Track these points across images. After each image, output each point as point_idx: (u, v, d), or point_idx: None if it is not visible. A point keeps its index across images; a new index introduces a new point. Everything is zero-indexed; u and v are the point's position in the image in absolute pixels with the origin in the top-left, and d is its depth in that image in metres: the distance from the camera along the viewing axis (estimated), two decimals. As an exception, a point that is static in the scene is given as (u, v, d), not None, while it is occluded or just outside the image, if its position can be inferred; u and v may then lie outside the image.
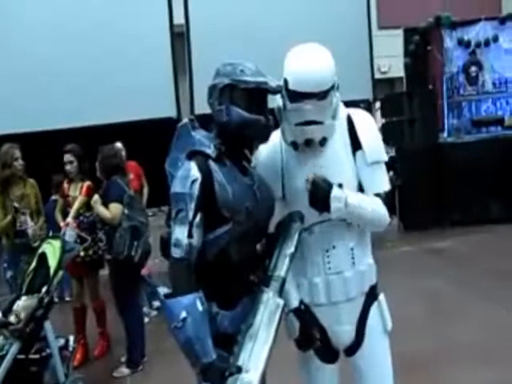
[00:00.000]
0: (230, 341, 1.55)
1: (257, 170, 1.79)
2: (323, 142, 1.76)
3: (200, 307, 1.50)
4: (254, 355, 1.48)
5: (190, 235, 1.53)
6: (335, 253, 1.79)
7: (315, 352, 1.85)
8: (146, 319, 4.49)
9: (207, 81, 1.72)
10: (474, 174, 6.96)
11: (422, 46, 8.45)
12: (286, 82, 1.72)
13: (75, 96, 5.93)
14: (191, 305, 1.49)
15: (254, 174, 1.73)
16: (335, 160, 1.80)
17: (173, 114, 6.38)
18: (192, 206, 1.53)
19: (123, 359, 3.77)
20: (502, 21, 8.57)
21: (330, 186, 1.69)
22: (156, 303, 4.75)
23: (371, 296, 1.87)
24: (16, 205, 3.93)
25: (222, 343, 1.54)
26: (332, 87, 1.72)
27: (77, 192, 4.07)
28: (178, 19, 6.88)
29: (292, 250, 1.63)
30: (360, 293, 1.84)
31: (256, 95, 1.62)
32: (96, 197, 3.78)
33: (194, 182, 1.54)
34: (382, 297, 1.90)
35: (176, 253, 1.54)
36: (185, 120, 1.72)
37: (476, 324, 3.83)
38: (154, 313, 4.73)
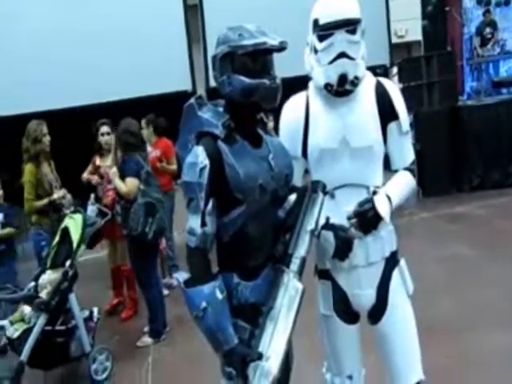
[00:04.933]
0: (251, 311, 1.56)
1: (274, 136, 1.75)
2: (356, 81, 1.76)
3: (220, 296, 1.51)
4: (274, 341, 1.48)
5: (203, 224, 1.52)
6: (354, 208, 1.76)
7: (336, 313, 1.88)
8: (167, 291, 4.57)
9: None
10: (493, 137, 6.80)
11: (439, 7, 8.19)
12: (315, 22, 1.77)
13: (90, 73, 5.89)
14: (211, 294, 1.50)
15: (270, 141, 1.66)
16: (363, 120, 1.80)
17: (188, 87, 6.33)
18: (202, 194, 1.51)
19: (146, 329, 3.85)
20: (523, -22, 8.25)
21: (375, 211, 1.70)
22: (176, 275, 4.84)
23: (392, 261, 1.87)
24: (51, 180, 3.97)
25: (243, 314, 1.56)
26: (360, 23, 1.75)
27: (108, 162, 4.16)
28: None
29: (313, 225, 1.59)
30: (380, 258, 1.84)
31: (258, 58, 1.54)
32: (114, 169, 3.80)
33: (202, 169, 1.50)
34: (402, 262, 1.91)
35: (192, 241, 1.54)
36: (191, 100, 1.64)
37: (497, 288, 3.79)
38: (175, 284, 4.80)
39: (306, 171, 1.93)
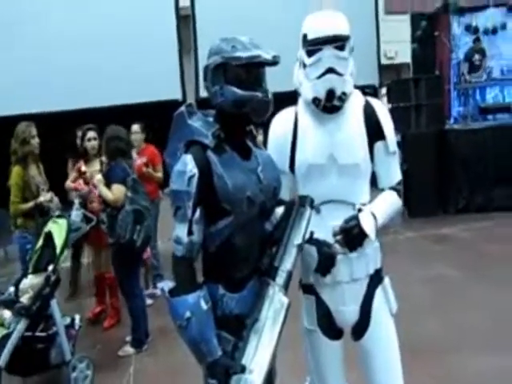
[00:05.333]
0: (235, 323, 1.54)
1: (262, 149, 1.76)
2: (344, 97, 1.78)
3: (204, 306, 1.49)
4: (259, 355, 1.47)
5: (190, 232, 1.51)
6: (339, 225, 1.76)
7: (320, 328, 1.87)
8: (151, 301, 4.53)
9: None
10: (479, 161, 6.91)
11: (429, 31, 8.38)
12: (304, 37, 1.80)
13: (79, 78, 5.89)
14: (195, 304, 1.48)
15: (259, 153, 1.67)
16: (351, 138, 1.82)
17: (178, 96, 6.34)
18: (190, 203, 1.49)
19: (128, 339, 3.79)
20: (510, 8, 8.47)
21: (360, 228, 1.71)
22: (161, 284, 4.77)
23: (376, 278, 1.88)
24: (39, 183, 3.91)
25: (227, 325, 1.55)
26: (348, 39, 1.77)
27: (96, 167, 4.13)
28: (184, 1, 6.82)
29: (300, 240, 1.60)
30: (365, 275, 1.85)
31: (251, 70, 1.54)
32: (99, 176, 3.76)
33: (191, 178, 1.49)
34: (387, 280, 1.91)
35: (178, 250, 1.52)
36: (181, 108, 1.63)
37: (481, 309, 3.82)
38: (159, 294, 4.74)
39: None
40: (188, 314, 1.47)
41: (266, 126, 1.90)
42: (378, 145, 1.85)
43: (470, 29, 8.69)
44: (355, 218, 1.73)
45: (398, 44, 8.66)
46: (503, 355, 3.11)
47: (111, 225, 3.59)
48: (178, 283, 1.53)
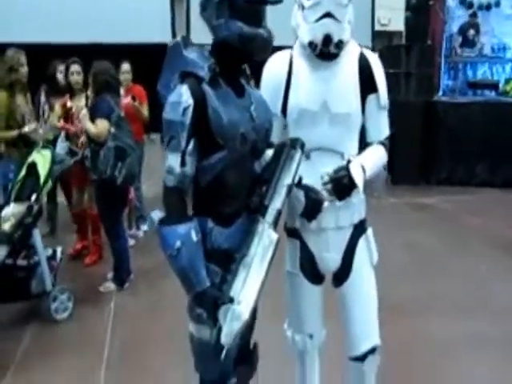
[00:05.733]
0: (224, 257, 1.53)
1: (256, 89, 1.72)
2: (340, 44, 1.74)
3: (195, 237, 1.47)
4: (247, 287, 1.46)
5: (182, 164, 1.48)
6: (329, 173, 1.76)
7: (302, 272, 1.89)
8: (133, 241, 4.49)
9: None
10: (464, 135, 6.96)
11: (424, 0, 8.29)
12: None
13: (71, 13, 5.76)
14: (186, 234, 1.47)
15: (252, 93, 1.64)
16: (345, 87, 1.80)
17: (168, 39, 6.15)
18: (184, 134, 1.47)
19: (109, 276, 3.75)
20: (506, -15, 8.45)
21: (350, 178, 1.71)
22: (143, 227, 4.75)
23: (360, 228, 1.89)
24: (24, 113, 3.78)
25: (215, 259, 1.53)
26: None
27: (81, 103, 4.00)
28: None
29: (290, 181, 1.58)
30: (349, 223, 1.86)
31: (257, 7, 1.52)
32: (84, 111, 3.66)
33: (186, 108, 1.46)
34: (370, 231, 1.93)
35: (170, 180, 1.50)
36: (177, 38, 1.60)
37: (455, 277, 3.91)
38: (141, 235, 4.72)
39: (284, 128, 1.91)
40: (178, 243, 1.45)
41: (257, 75, 1.84)
42: (370, 98, 1.83)
43: (465, 2, 8.66)
44: (345, 168, 1.74)
45: (392, 11, 8.57)
46: (470, 320, 3.23)
47: (94, 160, 3.52)
48: (169, 213, 1.50)
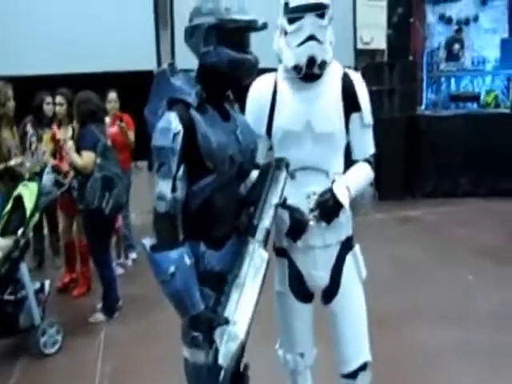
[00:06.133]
0: (217, 279, 1.55)
1: (239, 114, 1.76)
2: (323, 65, 1.80)
3: (188, 261, 1.49)
4: (241, 307, 1.49)
5: (174, 189, 1.50)
6: (315, 199, 1.82)
7: (291, 290, 1.92)
8: (122, 270, 4.49)
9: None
10: (447, 148, 7.06)
11: (404, 18, 8.47)
12: (286, 5, 1.80)
13: (57, 44, 5.80)
14: (179, 259, 1.48)
15: (237, 117, 1.69)
16: (328, 107, 1.85)
17: (153, 67, 6.23)
18: (175, 159, 1.49)
19: (98, 306, 3.75)
20: (483, 1, 8.66)
21: (335, 199, 1.77)
22: (132, 255, 4.76)
23: (347, 245, 1.92)
24: (11, 146, 3.79)
25: (208, 281, 1.55)
26: (328, 7, 1.78)
27: (68, 135, 4.04)
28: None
29: (277, 200, 1.63)
30: (336, 241, 1.89)
31: (244, 33, 1.58)
32: (70, 143, 3.68)
33: (175, 134, 1.49)
34: (357, 247, 1.96)
35: (161, 206, 1.51)
36: (164, 66, 1.63)
37: (443, 288, 3.97)
38: (130, 264, 4.72)
39: (270, 149, 1.96)
40: (172, 268, 1.46)
41: (240, 100, 1.89)
42: (354, 116, 1.88)
43: (444, 18, 8.86)
44: (329, 190, 1.78)
45: (374, 29, 8.72)
46: (457, 329, 3.28)
47: (81, 191, 3.54)
48: (161, 239, 1.51)
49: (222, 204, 1.58)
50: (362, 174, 1.93)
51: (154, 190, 1.54)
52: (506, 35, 8.52)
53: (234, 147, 1.59)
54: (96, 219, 3.53)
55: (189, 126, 1.51)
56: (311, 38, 1.75)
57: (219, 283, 1.54)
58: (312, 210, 1.78)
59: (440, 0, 8.73)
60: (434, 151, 7.11)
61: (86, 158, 3.53)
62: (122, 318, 3.72)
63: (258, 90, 1.91)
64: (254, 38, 1.63)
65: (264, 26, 1.58)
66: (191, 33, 1.58)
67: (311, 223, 1.77)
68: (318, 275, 1.90)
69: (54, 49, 5.86)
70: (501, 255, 4.74)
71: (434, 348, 3.06)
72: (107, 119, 4.60)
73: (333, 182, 1.81)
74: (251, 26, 1.56)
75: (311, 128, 1.83)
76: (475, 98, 8.18)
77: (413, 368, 2.87)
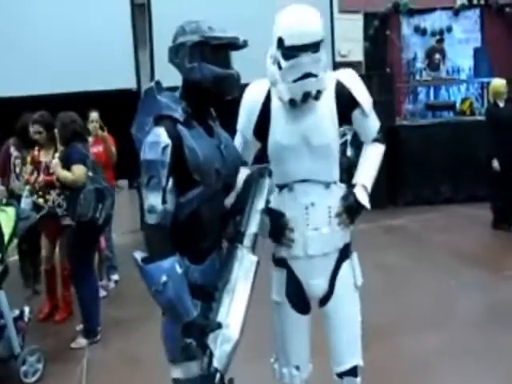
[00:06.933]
0: (200, 291, 1.59)
1: (222, 130, 1.78)
2: (318, 95, 1.83)
3: (179, 270, 1.52)
4: (233, 310, 1.52)
5: (164, 201, 1.53)
6: (314, 210, 1.88)
7: (288, 300, 1.94)
8: (105, 292, 4.44)
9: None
10: (426, 156, 7.18)
11: (381, 31, 8.62)
12: (280, 40, 1.79)
13: (35, 64, 5.78)
14: (171, 268, 1.51)
15: (220, 132, 1.74)
16: (322, 120, 1.88)
17: (133, 85, 6.25)
18: (164, 172, 1.53)
19: (78, 328, 3.68)
20: (456, 12, 8.87)
21: (357, 203, 1.89)
22: (114, 276, 4.71)
23: (345, 252, 1.96)
24: None
25: (193, 292, 1.58)
26: (322, 40, 1.80)
27: (49, 157, 3.97)
28: (139, -10, 6.73)
29: (263, 205, 1.68)
30: (334, 248, 1.93)
31: (226, 51, 1.64)
32: (56, 160, 3.67)
33: (164, 148, 1.53)
34: (355, 255, 2.00)
35: (152, 219, 1.54)
36: (151, 83, 1.70)
37: (427, 294, 4.03)
38: (112, 285, 4.67)
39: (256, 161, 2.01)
40: (164, 278, 1.49)
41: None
42: (355, 113, 1.94)
43: (419, 30, 9.03)
44: (351, 194, 1.90)
45: (352, 42, 8.86)
46: (443, 334, 3.34)
47: (72, 206, 3.52)
48: (154, 250, 1.54)
49: (208, 215, 1.63)
50: (374, 162, 2.02)
51: (135, 210, 1.54)
52: (478, 45, 8.72)
53: (219, 161, 1.64)
54: (86, 231, 3.52)
55: (176, 140, 1.56)
56: (307, 75, 1.77)
57: (202, 295, 1.59)
58: (338, 215, 1.87)
59: (414, 12, 8.90)
60: (413, 160, 7.22)
61: (78, 171, 3.53)
62: (104, 341, 3.66)
63: (252, 94, 1.95)
64: (240, 54, 1.67)
65: (245, 44, 1.63)
66: (176, 51, 1.63)
67: (309, 233, 1.85)
68: (316, 283, 1.93)
69: (35, 70, 5.82)
70: (481, 259, 4.85)
71: (421, 354, 3.10)
72: (90, 139, 4.60)
73: (352, 185, 1.92)
74: (233, 43, 1.62)
75: (308, 142, 1.87)
76: (451, 106, 8.34)
77: (401, 375, 2.89)
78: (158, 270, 1.50)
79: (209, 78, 1.59)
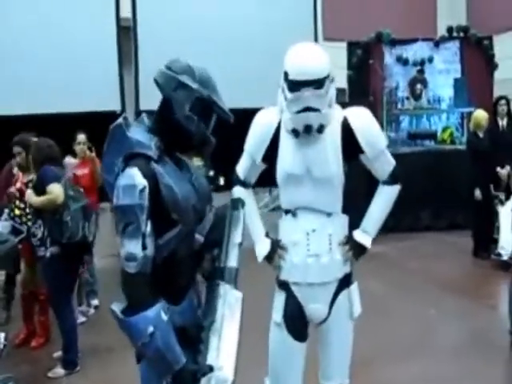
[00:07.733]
0: (179, 333, 1.53)
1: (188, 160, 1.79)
2: (321, 129, 1.90)
3: (165, 317, 1.46)
4: (223, 352, 1.48)
5: (144, 247, 1.46)
6: (314, 236, 1.95)
7: (286, 324, 1.98)
8: (84, 318, 4.35)
9: (153, 76, 1.62)
10: (408, 184, 7.17)
11: (364, 59, 8.79)
12: (285, 74, 1.89)
13: (19, 85, 5.79)
14: (157, 317, 1.44)
15: (188, 163, 1.72)
16: (325, 154, 1.94)
17: (117, 108, 6.25)
18: (144, 216, 1.45)
19: (56, 355, 3.59)
20: (436, 43, 9.11)
21: (360, 247, 2.05)
22: (94, 302, 4.61)
23: (344, 282, 2.04)
24: None
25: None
26: (327, 77, 1.87)
27: (30, 178, 3.90)
28: (125, 13, 6.79)
29: (240, 239, 1.66)
30: (333, 278, 2.00)
31: (214, 118, 1.65)
32: (28, 190, 3.58)
33: (142, 190, 1.45)
34: (354, 285, 2.07)
35: (132, 267, 1.45)
36: (118, 120, 1.59)
37: (407, 323, 4.06)
38: (92, 311, 4.57)
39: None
40: (151, 328, 1.42)
41: None
42: (362, 157, 2.02)
43: (401, 60, 9.24)
44: (351, 239, 2.03)
45: (335, 70, 9.02)
46: (425, 361, 3.38)
47: (58, 229, 3.37)
48: (135, 300, 1.45)
49: (184, 253, 1.58)
50: (382, 207, 2.18)
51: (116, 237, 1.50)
52: (458, 75, 8.95)
53: (194, 196, 1.61)
54: (74, 251, 3.45)
55: (152, 179, 1.49)
56: (307, 109, 1.84)
57: (183, 336, 1.52)
58: (347, 251, 1.99)
59: (396, 42, 9.11)
60: (395, 187, 7.29)
61: (55, 190, 3.39)
62: (82, 370, 3.56)
63: (266, 118, 2.03)
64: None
65: (229, 120, 1.63)
66: (175, 87, 1.56)
67: (309, 260, 1.94)
68: (316, 308, 2.00)
69: (15, 90, 5.82)
70: (461, 287, 4.92)
71: (405, 382, 3.13)
72: (76, 161, 4.56)
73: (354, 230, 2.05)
74: (224, 115, 1.63)
75: (310, 173, 1.94)
76: (432, 135, 8.51)
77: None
78: (144, 321, 1.43)
79: (200, 136, 1.60)
